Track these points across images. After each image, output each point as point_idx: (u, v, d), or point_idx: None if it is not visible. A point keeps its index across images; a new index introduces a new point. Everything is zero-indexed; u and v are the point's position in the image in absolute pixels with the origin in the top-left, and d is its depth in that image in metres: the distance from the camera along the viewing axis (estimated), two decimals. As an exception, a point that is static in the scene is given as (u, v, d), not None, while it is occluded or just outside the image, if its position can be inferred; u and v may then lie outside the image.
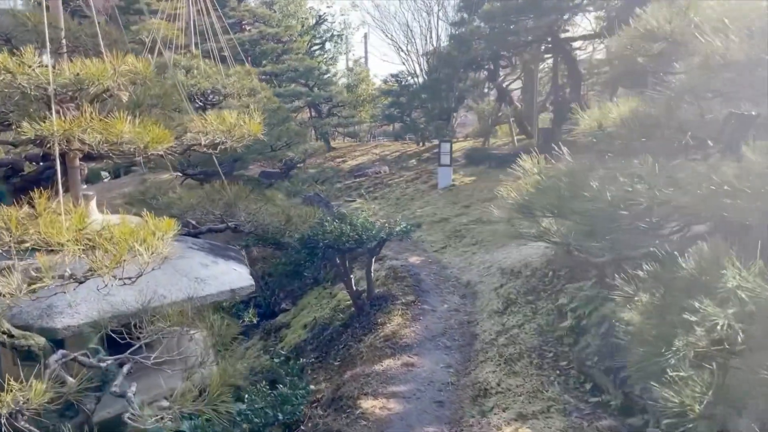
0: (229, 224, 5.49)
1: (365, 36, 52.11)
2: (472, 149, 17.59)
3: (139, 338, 3.71)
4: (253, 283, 4.80)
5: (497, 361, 5.66)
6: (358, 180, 18.69)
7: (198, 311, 4.28)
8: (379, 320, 7.31)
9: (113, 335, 3.77)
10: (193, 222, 6.02)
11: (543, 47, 19.74)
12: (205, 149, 5.04)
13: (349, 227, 6.92)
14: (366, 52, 44.08)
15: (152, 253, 3.37)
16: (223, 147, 5.06)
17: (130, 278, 3.38)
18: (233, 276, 4.79)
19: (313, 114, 29.69)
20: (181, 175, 13.21)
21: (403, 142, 25.39)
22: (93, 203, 4.99)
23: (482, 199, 12.01)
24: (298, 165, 12.72)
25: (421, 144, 23.57)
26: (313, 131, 29.68)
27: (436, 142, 23.64)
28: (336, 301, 9.03)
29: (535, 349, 5.59)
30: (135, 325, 3.76)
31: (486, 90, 23.95)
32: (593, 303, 5.54)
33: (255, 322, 9.62)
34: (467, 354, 6.19)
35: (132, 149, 4.14)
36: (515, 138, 20.18)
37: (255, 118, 4.95)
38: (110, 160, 4.62)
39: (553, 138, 15.70)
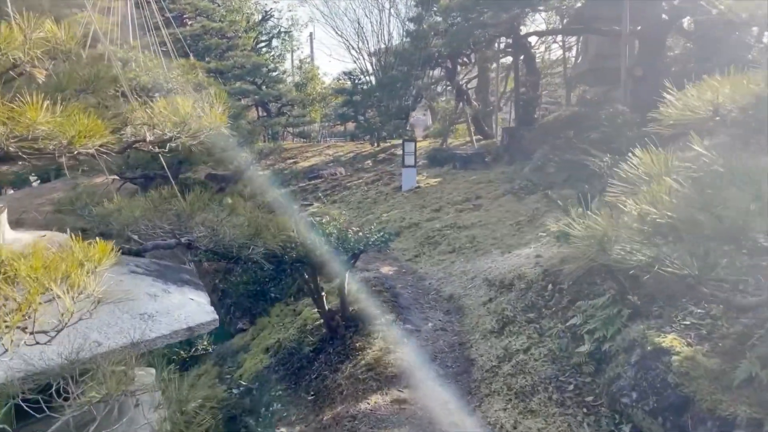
0: (182, 240, 4.43)
1: (311, 35, 50.92)
2: (435, 149, 16.87)
3: (63, 408, 2.65)
4: (216, 317, 3.80)
5: (506, 395, 4.84)
6: (313, 182, 17.65)
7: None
8: (357, 344, 6.37)
9: (26, 405, 2.70)
10: (136, 237, 4.91)
11: (503, 44, 19.27)
12: (151, 147, 3.97)
13: (322, 238, 5.96)
14: (312, 50, 42.88)
15: (79, 294, 2.33)
16: (175, 144, 4.01)
17: (45, 333, 2.34)
18: (190, 308, 3.76)
19: (261, 113, 28.37)
20: (118, 178, 11.85)
21: (356, 143, 24.45)
22: (2, 218, 3.83)
23: (452, 202, 11.25)
24: (250, 167, 11.62)
25: (375, 144, 22.70)
26: (261, 132, 28.38)
27: (391, 142, 22.87)
28: (302, 320, 8.02)
29: (551, 380, 4.79)
30: (58, 390, 2.70)
31: (444, 88, 23.36)
32: (614, 324, 4.80)
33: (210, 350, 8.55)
34: (466, 385, 5.34)
35: (52, 146, 3.06)
36: (474, 138, 19.60)
37: (216, 107, 3.93)
38: (23, 161, 3.50)
39: (517, 137, 15.17)
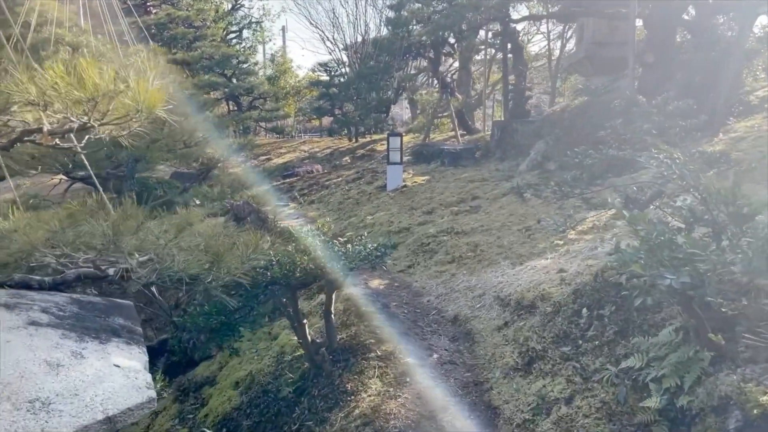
0: (109, 272, 3.16)
1: (283, 28, 49.33)
2: (420, 145, 15.67)
3: None
4: (153, 394, 2.55)
5: (553, 467, 3.68)
6: (288, 181, 16.33)
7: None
8: (349, 385, 5.15)
9: None
10: (55, 263, 3.60)
11: (490, 33, 18.18)
12: (57, 141, 2.70)
13: (306, 258, 4.72)
14: (284, 42, 41.25)
15: None
16: (92, 136, 2.75)
17: None
18: (113, 383, 2.51)
19: (232, 107, 26.86)
20: (66, 178, 10.39)
21: (333, 138, 23.15)
22: None
23: (446, 203, 10.07)
24: (219, 164, 10.28)
25: (354, 140, 21.45)
26: (232, 127, 26.85)
27: (371, 137, 21.62)
28: (278, 346, 6.77)
29: (613, 447, 3.64)
30: None
31: (426, 80, 22.20)
32: (691, 370, 3.67)
33: (166, 382, 7.23)
34: (493, 446, 4.17)
35: None
36: (458, 132, 18.47)
37: (148, 77, 2.68)
38: None
39: (509, 131, 14.08)
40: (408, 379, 5.14)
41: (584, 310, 5.06)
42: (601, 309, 4.90)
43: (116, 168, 10.62)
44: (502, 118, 17.17)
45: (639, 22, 12.13)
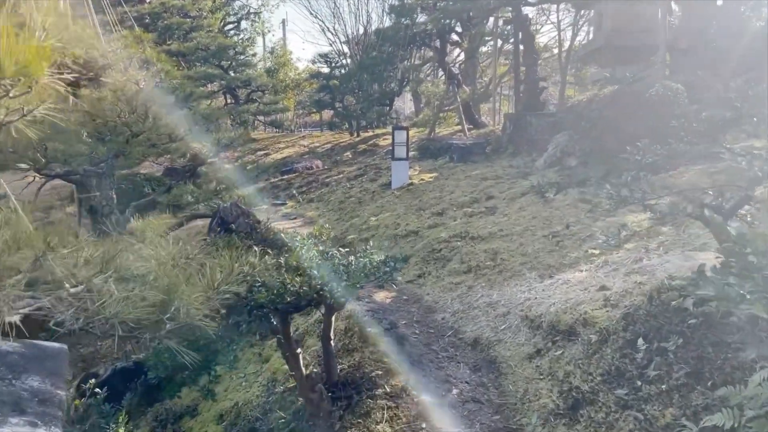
0: (9, 320, 2.23)
1: (283, 21, 48.18)
2: (426, 140, 14.70)
3: None
4: None
5: None
6: (286, 177, 15.38)
7: None
8: (351, 431, 4.23)
9: None
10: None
11: (500, 21, 17.19)
12: None
13: (299, 279, 3.80)
14: (284, 34, 40.38)
15: None
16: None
17: None
18: None
19: (229, 100, 25.89)
20: (39, 176, 9.45)
21: (334, 133, 22.19)
22: None
23: (457, 204, 9.13)
24: (208, 161, 9.34)
25: (355, 134, 20.49)
26: (229, 121, 25.91)
27: (373, 131, 20.63)
28: (270, 372, 5.86)
29: None
30: None
31: (432, 71, 21.22)
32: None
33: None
34: None
35: None
36: (466, 126, 17.49)
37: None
38: None
39: (523, 125, 13.13)
40: (424, 425, 4.21)
41: (640, 341, 4.12)
42: (664, 341, 3.96)
43: (96, 165, 9.69)
44: (512, 111, 16.21)
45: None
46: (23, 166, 8.41)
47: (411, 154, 13.46)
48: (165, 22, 25.04)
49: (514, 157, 12.15)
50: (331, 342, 4.83)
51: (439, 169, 12.12)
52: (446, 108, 18.48)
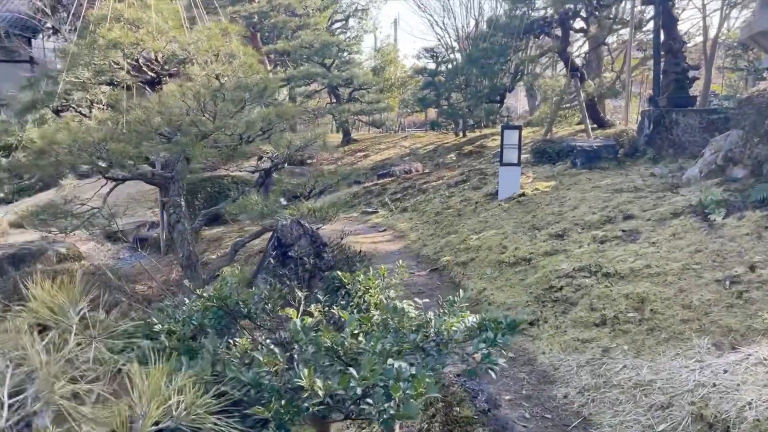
0: None
1: (395, 21, 47.21)
2: (542, 141, 12.63)
3: None
4: None
5: None
6: (381, 182, 13.98)
7: None
8: None
9: None
10: None
11: (637, 1, 14.67)
12: None
13: (359, 383, 2.22)
14: (396, 32, 39.49)
15: None
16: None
17: None
18: None
19: (333, 100, 25.13)
20: (105, 180, 8.71)
21: (438, 133, 20.55)
22: None
23: (583, 223, 7.15)
24: (280, 165, 8.06)
25: (461, 134, 18.69)
26: (334, 121, 25.17)
27: (480, 131, 18.72)
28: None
29: None
30: None
31: (551, 62, 18.97)
32: None
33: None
34: None
35: None
36: (589, 126, 15.11)
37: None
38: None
39: (666, 124, 10.73)
40: None
41: None
42: None
43: (163, 168, 8.81)
44: (647, 107, 13.65)
45: None
46: (84, 168, 7.63)
47: (523, 157, 11.49)
48: (272, 20, 24.76)
49: (654, 164, 9.85)
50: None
51: (557, 177, 10.10)
52: (566, 105, 16.20)
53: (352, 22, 31.58)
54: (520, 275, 6.37)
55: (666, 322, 4.63)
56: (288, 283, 3.54)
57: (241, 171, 9.72)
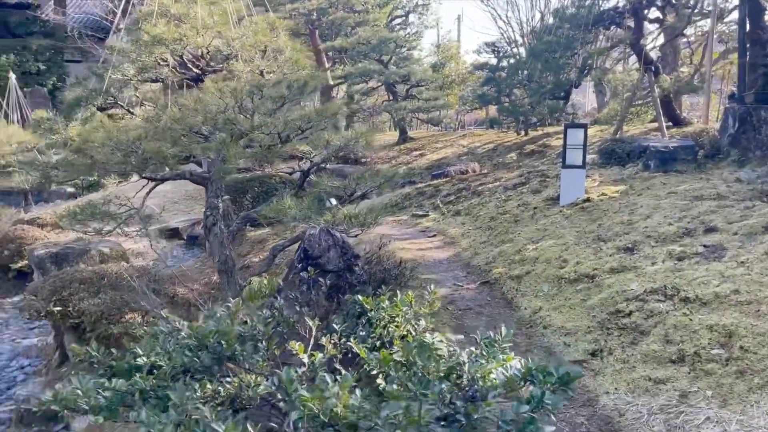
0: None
1: (459, 17, 46.09)
2: (611, 140, 11.60)
3: None
4: None
5: None
6: (435, 183, 13.34)
7: None
8: None
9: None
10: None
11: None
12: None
13: None
14: (459, 29, 38.60)
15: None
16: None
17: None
18: None
19: (390, 97, 24.63)
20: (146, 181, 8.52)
21: (498, 131, 19.63)
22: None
23: (657, 236, 6.28)
24: (321, 164, 7.58)
25: (523, 133, 17.73)
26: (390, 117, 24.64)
27: (543, 130, 17.71)
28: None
29: None
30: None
31: (622, 55, 17.72)
32: None
33: None
34: None
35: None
36: (664, 124, 13.86)
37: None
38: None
39: (754, 123, 9.56)
40: None
41: None
42: None
43: (209, 167, 8.53)
44: (729, 103, 12.33)
45: None
46: (116, 168, 7.42)
47: (590, 158, 10.54)
48: (330, 17, 24.54)
49: (740, 167, 8.75)
50: None
51: (628, 181, 9.15)
52: (638, 101, 14.99)
53: (412, 17, 30.97)
54: (582, 294, 5.61)
55: (760, 363, 3.81)
56: (298, 309, 3.00)
57: (290, 171, 9.32)
